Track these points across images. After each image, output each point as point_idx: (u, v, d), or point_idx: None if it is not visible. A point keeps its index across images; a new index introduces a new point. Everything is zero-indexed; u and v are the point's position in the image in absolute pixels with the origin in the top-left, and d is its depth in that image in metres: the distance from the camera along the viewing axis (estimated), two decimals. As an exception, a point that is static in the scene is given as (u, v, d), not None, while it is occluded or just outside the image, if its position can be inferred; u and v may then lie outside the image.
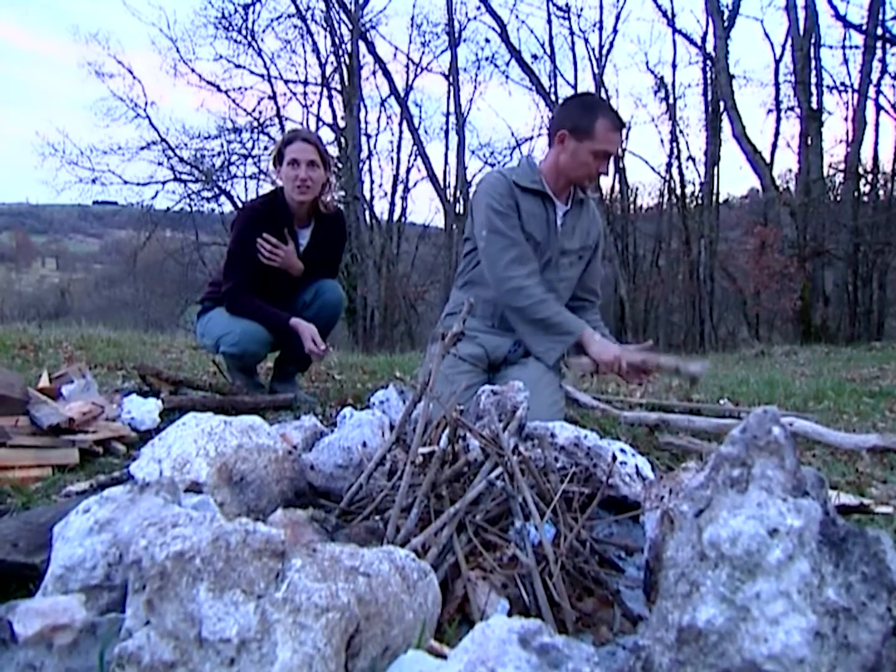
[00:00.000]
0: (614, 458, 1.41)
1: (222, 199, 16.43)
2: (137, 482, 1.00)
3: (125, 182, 16.00)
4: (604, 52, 16.89)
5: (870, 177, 14.91)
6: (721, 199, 17.48)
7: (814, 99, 13.34)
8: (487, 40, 17.64)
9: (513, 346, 2.30)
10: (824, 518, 0.70)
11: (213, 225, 17.59)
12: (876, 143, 14.94)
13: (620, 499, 1.44)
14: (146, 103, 15.98)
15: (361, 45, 16.17)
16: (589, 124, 2.09)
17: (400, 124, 17.65)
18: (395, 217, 18.26)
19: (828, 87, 14.26)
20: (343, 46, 16.23)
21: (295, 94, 16.89)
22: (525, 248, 2.19)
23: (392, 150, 18.02)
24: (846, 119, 14.46)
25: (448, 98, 17.05)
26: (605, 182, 17.63)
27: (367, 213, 16.62)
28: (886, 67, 13.80)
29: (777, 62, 15.53)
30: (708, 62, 15.83)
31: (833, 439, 2.23)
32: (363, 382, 3.43)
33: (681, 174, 17.52)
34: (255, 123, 16.30)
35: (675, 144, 17.40)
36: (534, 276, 2.17)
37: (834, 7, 13.61)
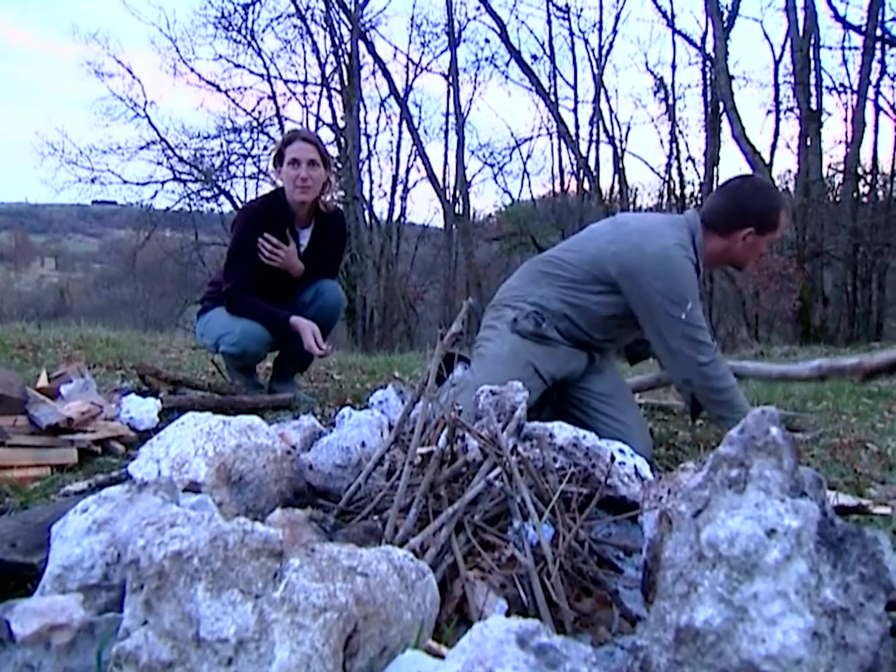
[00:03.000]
0: (613, 458, 1.41)
1: (222, 198, 16.46)
2: (136, 482, 1.00)
3: (124, 182, 16.01)
4: (603, 52, 16.89)
5: (869, 178, 14.91)
6: (721, 200, 17.44)
7: (813, 100, 13.34)
8: (487, 40, 17.65)
9: (587, 366, 2.21)
10: (822, 518, 0.70)
11: (213, 225, 17.59)
12: (875, 144, 14.97)
13: (619, 499, 1.44)
14: (146, 103, 16.00)
15: (361, 45, 16.17)
16: (776, 219, 2.09)
17: (399, 124, 17.66)
18: (395, 217, 18.26)
19: (827, 87, 14.28)
20: (343, 46, 16.23)
21: (294, 93, 16.92)
22: None
23: (391, 151, 18.03)
24: (845, 120, 14.49)
25: (448, 98, 17.06)
26: (605, 183, 17.64)
27: (366, 213, 16.60)
28: (886, 68, 13.85)
29: (776, 63, 15.54)
30: (707, 63, 15.82)
31: (777, 371, 2.23)
32: (362, 382, 3.43)
33: (680, 175, 17.55)
34: (255, 123, 16.31)
35: (674, 145, 17.41)
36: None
37: (833, 8, 13.62)
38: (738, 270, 2.25)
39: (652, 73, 17.66)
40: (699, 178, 17.05)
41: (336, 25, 16.12)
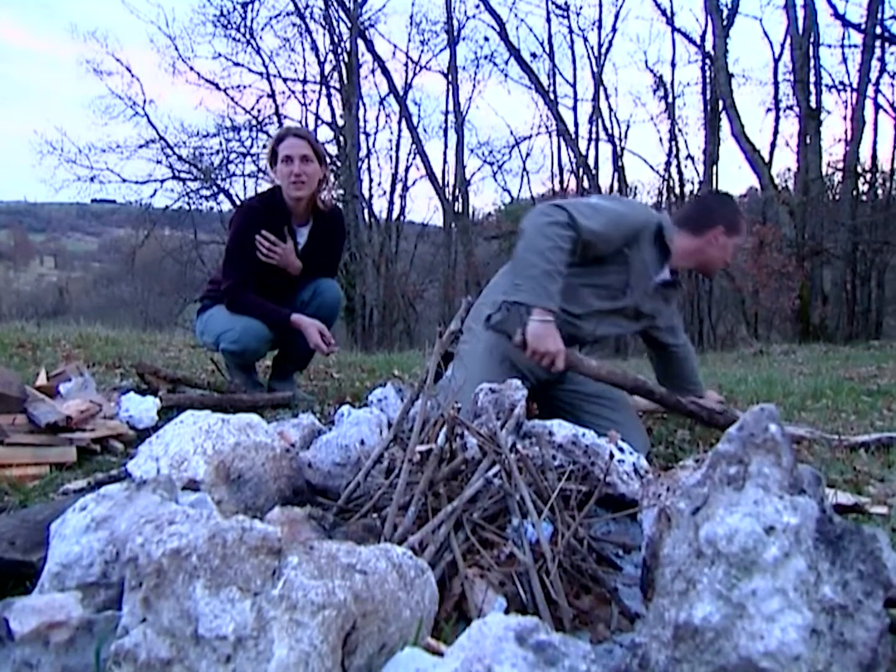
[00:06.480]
0: (612, 456, 1.41)
1: (221, 197, 16.40)
2: (135, 480, 1.00)
3: (124, 180, 15.95)
4: (603, 50, 16.85)
5: (868, 176, 14.90)
6: (720, 198, 17.43)
7: (812, 98, 13.32)
8: (486, 38, 17.60)
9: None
10: (821, 516, 0.70)
11: (212, 223, 17.55)
12: (874, 142, 14.93)
13: (618, 497, 1.44)
14: (144, 101, 15.93)
15: (360, 43, 16.14)
16: (740, 223, 2.34)
17: (399, 123, 17.62)
18: (394, 216, 18.23)
19: (826, 86, 14.25)
20: (342, 45, 16.20)
21: (294, 92, 16.86)
22: (575, 236, 1.98)
23: (391, 149, 17.97)
24: (845, 118, 14.44)
25: (447, 96, 17.03)
26: (604, 181, 17.62)
27: (365, 211, 16.58)
28: (885, 66, 13.81)
29: (776, 61, 15.50)
30: (707, 61, 15.80)
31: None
32: (361, 381, 3.43)
33: (679, 173, 17.50)
34: (254, 122, 16.26)
35: (673, 143, 17.37)
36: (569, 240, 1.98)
37: (833, 6, 13.61)
38: (707, 276, 2.46)
39: (651, 71, 17.63)
40: (698, 176, 17.03)
41: (335, 24, 16.10)
